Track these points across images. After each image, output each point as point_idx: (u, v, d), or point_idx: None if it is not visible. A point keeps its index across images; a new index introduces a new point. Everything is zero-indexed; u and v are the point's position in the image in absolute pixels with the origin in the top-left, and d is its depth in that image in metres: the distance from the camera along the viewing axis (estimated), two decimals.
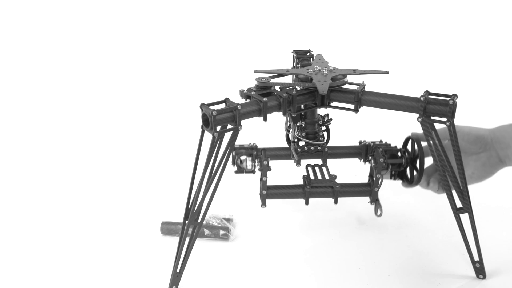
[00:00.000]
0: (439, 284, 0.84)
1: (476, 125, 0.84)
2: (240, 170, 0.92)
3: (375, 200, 0.90)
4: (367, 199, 0.92)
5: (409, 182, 0.90)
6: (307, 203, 0.89)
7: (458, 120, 0.75)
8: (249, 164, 0.91)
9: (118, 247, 0.99)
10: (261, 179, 0.89)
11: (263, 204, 0.89)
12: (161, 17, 2.04)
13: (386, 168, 0.87)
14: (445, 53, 1.93)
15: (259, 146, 0.98)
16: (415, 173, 0.89)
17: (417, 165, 0.88)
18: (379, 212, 0.90)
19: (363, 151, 0.96)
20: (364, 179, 0.95)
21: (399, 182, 0.93)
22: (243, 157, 0.91)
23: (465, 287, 0.83)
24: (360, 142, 0.97)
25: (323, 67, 0.86)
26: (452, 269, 0.88)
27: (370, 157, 0.91)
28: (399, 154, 0.90)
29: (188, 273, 0.87)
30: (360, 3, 2.02)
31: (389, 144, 0.92)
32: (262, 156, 0.89)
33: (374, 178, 0.88)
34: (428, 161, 0.85)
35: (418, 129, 0.81)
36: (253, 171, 0.93)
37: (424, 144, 0.87)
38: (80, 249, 0.99)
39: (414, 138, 0.88)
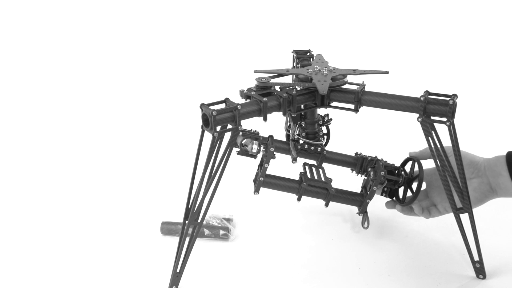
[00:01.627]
0: (439, 284, 0.84)
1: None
2: (243, 152, 0.89)
3: (364, 212, 0.89)
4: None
5: (400, 201, 0.90)
6: (299, 199, 0.88)
7: (458, 120, 0.75)
8: (254, 148, 0.88)
9: (118, 247, 0.99)
10: (261, 165, 0.87)
11: (256, 191, 0.86)
12: (161, 18, 2.04)
13: (383, 183, 0.87)
14: (445, 53, 1.93)
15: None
16: (408, 193, 0.89)
17: (413, 186, 0.88)
18: (365, 224, 0.89)
19: (359, 163, 0.95)
20: (350, 188, 0.93)
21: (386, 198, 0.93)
22: (247, 140, 0.88)
23: (465, 287, 0.83)
24: (356, 154, 0.97)
25: (323, 67, 0.86)
26: (452, 269, 0.88)
27: (370, 169, 0.90)
28: (396, 171, 0.91)
29: (188, 273, 0.87)
30: (360, 3, 2.02)
31: (386, 161, 0.92)
32: (269, 143, 0.88)
33: (368, 190, 0.88)
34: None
35: (417, 127, 0.80)
36: (255, 156, 0.89)
37: (423, 162, 0.88)
38: (80, 249, 0.99)
39: (416, 159, 0.88)
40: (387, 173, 0.89)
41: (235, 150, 0.87)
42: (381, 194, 0.92)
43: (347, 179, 1.01)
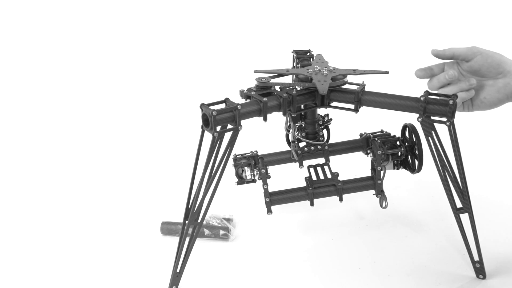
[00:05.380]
0: (439, 284, 0.84)
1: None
2: (241, 181, 0.92)
3: (380, 193, 0.89)
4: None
5: (412, 170, 0.89)
6: (312, 204, 0.88)
7: (458, 122, 0.74)
8: (248, 174, 0.91)
9: (118, 247, 0.99)
10: (262, 187, 0.89)
11: (269, 211, 0.89)
12: (161, 17, 2.03)
13: (387, 159, 0.87)
14: None
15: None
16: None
17: (416, 152, 0.87)
18: (384, 204, 0.88)
19: (364, 143, 0.94)
20: (369, 173, 0.94)
21: (401, 173, 0.91)
22: (239, 169, 0.91)
23: (465, 287, 0.83)
24: (361, 135, 0.96)
25: (323, 67, 0.86)
26: (452, 269, 0.88)
27: (368, 150, 0.90)
28: (398, 143, 0.89)
29: (188, 273, 0.87)
30: (360, 3, 2.02)
31: (389, 134, 0.91)
32: (259, 165, 0.89)
33: (375, 171, 0.88)
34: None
35: (416, 127, 0.80)
36: (253, 180, 0.93)
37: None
38: (80, 249, 0.99)
39: (409, 125, 0.87)
40: (389, 148, 0.87)
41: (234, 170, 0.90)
42: (394, 168, 0.91)
43: (360, 164, 1.00)
